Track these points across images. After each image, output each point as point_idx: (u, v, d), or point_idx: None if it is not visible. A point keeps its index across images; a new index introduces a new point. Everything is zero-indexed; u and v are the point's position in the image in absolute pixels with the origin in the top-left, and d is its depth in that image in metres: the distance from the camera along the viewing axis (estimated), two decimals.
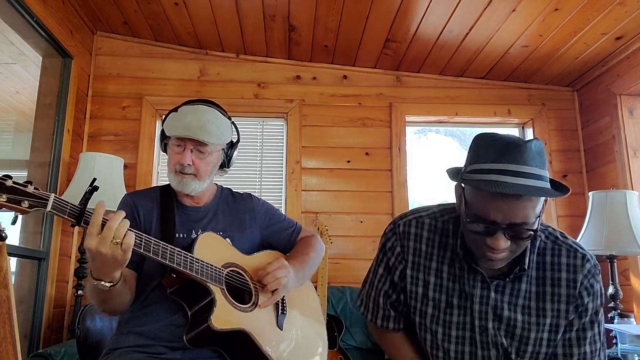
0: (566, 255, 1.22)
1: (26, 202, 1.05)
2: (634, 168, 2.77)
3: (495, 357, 1.23)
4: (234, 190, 1.73)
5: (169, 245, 1.30)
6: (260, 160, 3.14)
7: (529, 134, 3.21)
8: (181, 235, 1.51)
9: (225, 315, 1.34)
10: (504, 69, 3.09)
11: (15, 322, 1.22)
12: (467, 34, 2.73)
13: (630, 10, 2.37)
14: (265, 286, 1.46)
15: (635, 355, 2.27)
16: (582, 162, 3.14)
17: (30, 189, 1.05)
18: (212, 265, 1.39)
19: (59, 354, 1.91)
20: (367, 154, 3.11)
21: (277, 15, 2.70)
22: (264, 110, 3.13)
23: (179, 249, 1.32)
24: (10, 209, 1.04)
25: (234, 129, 1.64)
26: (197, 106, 1.53)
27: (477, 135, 1.17)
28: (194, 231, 1.53)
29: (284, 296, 1.55)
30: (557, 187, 1.13)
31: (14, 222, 1.09)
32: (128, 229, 1.16)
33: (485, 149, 1.11)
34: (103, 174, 2.51)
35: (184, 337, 1.32)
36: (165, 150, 1.59)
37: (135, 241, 1.18)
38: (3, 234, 1.28)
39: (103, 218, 1.15)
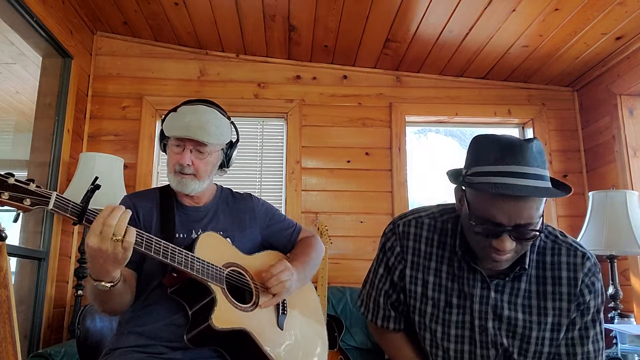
0: (566, 254, 1.22)
1: (28, 199, 1.05)
2: (634, 168, 2.77)
3: (495, 357, 1.23)
4: (234, 190, 1.73)
5: (170, 244, 1.30)
6: (260, 160, 3.14)
7: (529, 134, 3.21)
8: (181, 235, 1.51)
9: (226, 315, 1.34)
10: (504, 69, 3.09)
11: (15, 322, 1.22)
12: (467, 34, 2.73)
13: (630, 10, 2.37)
14: (269, 289, 1.46)
15: (635, 355, 2.27)
16: (582, 162, 3.14)
17: (32, 186, 1.06)
18: (213, 265, 1.39)
19: (59, 354, 1.91)
20: (367, 154, 3.11)
21: (277, 15, 2.70)
22: (264, 110, 3.13)
23: (179, 248, 1.32)
24: (13, 206, 1.04)
25: (234, 129, 1.64)
26: (197, 106, 1.53)
27: (476, 136, 1.17)
28: (194, 231, 1.53)
29: None
30: (559, 187, 1.14)
31: (15, 220, 1.09)
32: (128, 226, 1.16)
33: (486, 150, 1.11)
34: (103, 174, 2.50)
35: (185, 337, 1.31)
36: (164, 151, 1.59)
37: (136, 240, 1.17)
38: (3, 234, 1.28)
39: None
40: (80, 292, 2.57)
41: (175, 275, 1.35)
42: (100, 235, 1.12)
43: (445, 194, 3.10)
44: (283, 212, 2.92)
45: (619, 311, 2.52)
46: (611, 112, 2.90)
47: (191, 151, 1.49)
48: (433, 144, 3.70)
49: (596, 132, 3.03)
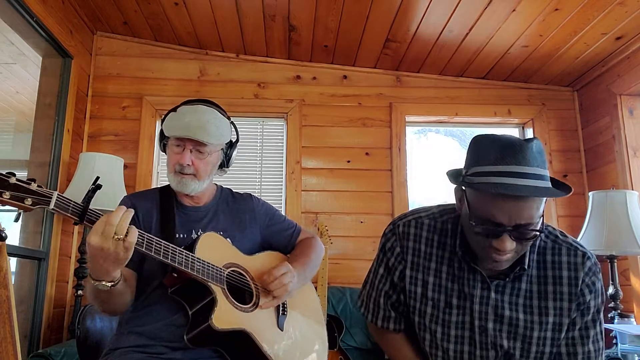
0: (566, 253, 1.23)
1: (29, 199, 1.05)
2: (634, 168, 2.77)
3: (494, 358, 1.23)
4: (233, 191, 1.73)
5: (171, 245, 1.30)
6: (260, 160, 3.14)
7: (529, 134, 3.21)
8: (181, 235, 1.51)
9: (226, 315, 1.34)
10: (504, 69, 3.09)
11: (15, 322, 1.22)
12: (467, 34, 2.73)
13: (630, 10, 2.37)
14: (271, 292, 1.46)
15: (635, 355, 2.27)
16: (582, 162, 3.14)
17: (33, 186, 1.06)
18: (214, 265, 1.39)
19: (59, 354, 1.91)
20: (367, 154, 3.11)
21: (277, 15, 2.70)
22: (264, 110, 3.13)
23: (180, 249, 1.32)
24: (14, 206, 1.05)
25: (234, 129, 1.64)
26: (197, 106, 1.53)
27: (476, 136, 1.17)
28: (193, 231, 1.53)
29: None
30: (559, 186, 1.14)
31: (17, 220, 1.09)
32: (131, 225, 1.16)
33: (486, 150, 1.11)
34: (103, 174, 2.48)
35: (185, 337, 1.31)
36: (164, 151, 1.59)
37: (137, 240, 1.18)
38: (3, 234, 1.28)
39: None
40: (80, 292, 2.57)
41: (175, 275, 1.35)
42: (102, 234, 1.12)
43: (445, 194, 3.10)
44: (283, 213, 2.93)
45: (619, 311, 2.52)
46: (611, 112, 2.90)
47: (191, 151, 1.49)
48: (433, 144, 3.70)
49: (596, 132, 3.03)
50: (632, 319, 2.53)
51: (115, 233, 1.12)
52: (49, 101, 2.68)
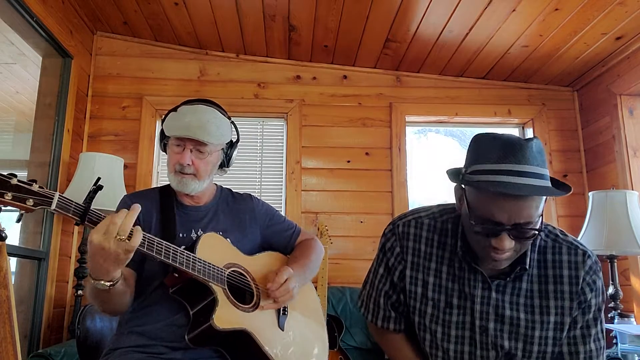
0: (567, 252, 1.23)
1: (31, 200, 1.05)
2: (634, 168, 2.77)
3: (495, 358, 1.23)
4: (233, 191, 1.73)
5: (172, 245, 1.30)
6: (260, 160, 3.14)
7: (529, 134, 3.21)
8: (181, 235, 1.51)
9: (227, 315, 1.34)
10: (504, 69, 3.09)
11: (15, 322, 1.21)
12: (467, 34, 2.73)
13: (630, 10, 2.37)
14: (276, 298, 1.45)
15: (635, 355, 2.27)
16: (582, 162, 3.15)
17: (35, 187, 1.06)
18: (214, 266, 1.39)
19: (59, 354, 1.91)
20: (367, 154, 3.11)
21: (277, 15, 2.71)
22: (264, 110, 3.13)
23: (181, 249, 1.32)
24: (15, 206, 1.05)
25: (234, 129, 1.64)
26: (197, 106, 1.53)
27: (477, 135, 1.17)
28: (194, 231, 1.53)
29: None
30: (558, 186, 1.14)
31: (18, 220, 1.10)
32: (136, 227, 1.16)
33: (486, 149, 1.11)
34: (103, 174, 2.50)
35: (186, 337, 1.32)
36: (164, 150, 1.59)
37: None
38: (3, 234, 1.28)
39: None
40: (80, 292, 2.57)
41: (176, 275, 1.35)
42: (104, 234, 1.12)
43: (445, 194, 3.10)
44: (283, 212, 2.94)
45: (619, 311, 2.52)
46: (611, 112, 2.90)
47: (191, 151, 1.49)
48: (433, 144, 3.70)
49: (596, 132, 3.04)
50: (632, 319, 2.53)
51: (117, 233, 1.12)
52: (49, 101, 2.68)
